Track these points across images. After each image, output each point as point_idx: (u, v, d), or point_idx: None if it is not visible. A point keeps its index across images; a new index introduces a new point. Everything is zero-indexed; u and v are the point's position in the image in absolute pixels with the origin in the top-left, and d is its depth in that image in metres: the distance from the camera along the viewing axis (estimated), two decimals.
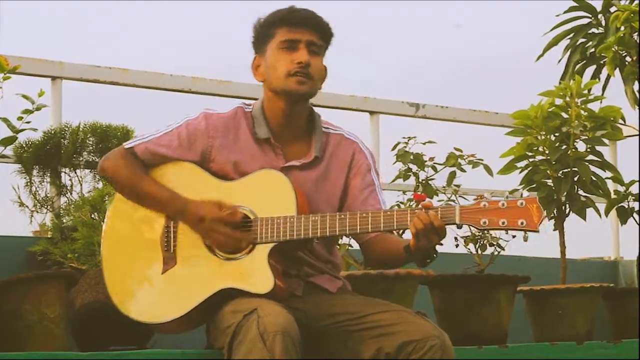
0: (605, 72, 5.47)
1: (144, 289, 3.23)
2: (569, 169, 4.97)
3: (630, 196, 5.33)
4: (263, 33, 3.33)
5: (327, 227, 3.12)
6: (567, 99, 4.97)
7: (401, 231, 4.08)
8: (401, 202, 5.02)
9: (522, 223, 2.96)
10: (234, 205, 3.19)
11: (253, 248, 3.14)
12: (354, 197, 3.34)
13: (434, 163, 5.12)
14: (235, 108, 3.35)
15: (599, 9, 5.61)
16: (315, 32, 3.29)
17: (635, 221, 5.34)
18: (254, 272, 3.12)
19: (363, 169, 3.37)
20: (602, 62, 5.56)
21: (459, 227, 3.10)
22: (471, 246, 4.96)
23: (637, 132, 5.88)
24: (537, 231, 2.96)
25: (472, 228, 4.96)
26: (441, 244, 3.09)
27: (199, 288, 3.15)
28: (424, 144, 5.13)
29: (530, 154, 5.03)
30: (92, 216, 4.33)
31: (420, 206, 3.06)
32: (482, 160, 5.15)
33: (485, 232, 3.06)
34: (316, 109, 3.42)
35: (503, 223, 2.98)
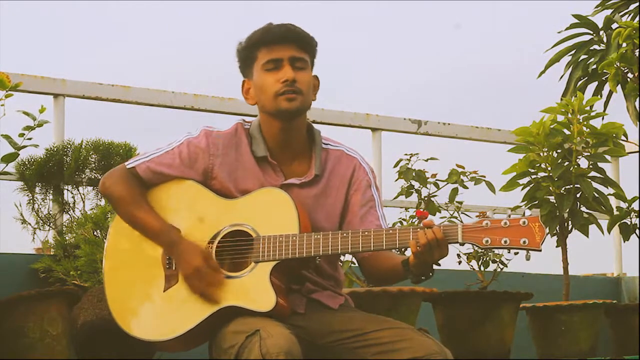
0: (607, 88, 5.48)
1: (145, 307, 3.22)
2: (571, 186, 4.98)
3: (632, 212, 5.33)
4: (246, 57, 3.31)
5: (329, 246, 3.11)
6: (569, 115, 4.98)
7: (403, 249, 4.09)
8: (403, 219, 5.02)
9: (524, 242, 2.96)
10: (237, 223, 3.19)
11: (255, 266, 3.14)
12: (353, 213, 3.33)
13: (437, 180, 5.13)
14: (235, 125, 3.34)
15: (600, 25, 5.63)
16: (295, 46, 3.26)
17: (638, 237, 5.33)
18: (256, 291, 3.11)
19: (363, 184, 3.36)
20: (603, 78, 5.57)
21: (461, 244, 3.10)
22: (474, 263, 4.96)
23: (639, 149, 5.88)
24: (540, 250, 2.97)
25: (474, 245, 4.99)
26: (439, 264, 3.09)
27: (200, 306, 3.15)
28: (426, 160, 5.14)
29: (532, 170, 5.04)
30: (95, 233, 4.33)
31: (421, 224, 3.05)
32: (484, 177, 5.15)
33: (487, 250, 3.04)
34: (319, 126, 3.41)
35: (505, 242, 2.98)
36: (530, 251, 2.98)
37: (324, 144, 3.37)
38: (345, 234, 3.11)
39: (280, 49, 3.25)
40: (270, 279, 3.11)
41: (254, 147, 3.29)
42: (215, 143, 3.28)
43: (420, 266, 3.07)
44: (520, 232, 2.97)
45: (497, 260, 4.88)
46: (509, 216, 3.00)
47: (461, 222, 5.07)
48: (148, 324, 3.21)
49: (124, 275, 3.27)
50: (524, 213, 3.00)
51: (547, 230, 2.99)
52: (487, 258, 4.89)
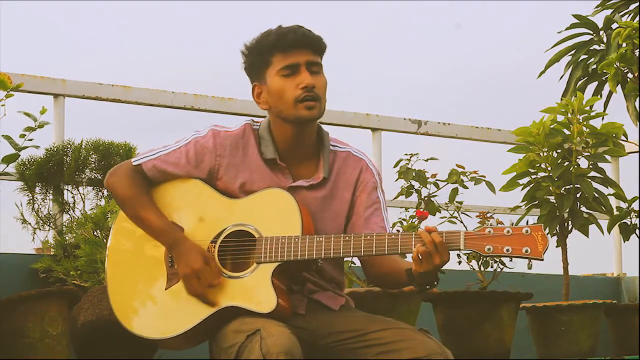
0: (607, 88, 5.48)
1: (147, 305, 3.23)
2: (571, 186, 4.98)
3: (632, 212, 5.33)
4: (257, 61, 3.26)
5: (331, 249, 3.11)
6: (569, 115, 4.98)
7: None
8: (403, 219, 5.01)
9: (526, 251, 2.95)
10: (240, 223, 3.19)
11: (257, 267, 3.14)
12: (358, 214, 3.33)
13: (437, 180, 5.13)
14: (243, 125, 3.32)
15: (600, 25, 5.63)
16: (311, 51, 3.23)
17: (638, 237, 5.33)
18: (257, 291, 3.11)
19: (369, 187, 3.35)
20: (603, 78, 5.57)
21: (462, 251, 3.09)
22: (474, 263, 4.96)
23: (639, 149, 5.88)
24: (542, 259, 2.96)
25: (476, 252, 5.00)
26: (443, 272, 3.08)
27: (201, 305, 3.15)
28: (426, 160, 5.14)
29: (532, 170, 5.04)
30: (95, 233, 4.34)
31: (423, 228, 3.04)
32: (484, 177, 5.15)
33: (489, 257, 3.03)
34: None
35: (507, 250, 2.97)
36: (532, 260, 2.98)
37: (332, 145, 3.36)
38: (347, 238, 3.10)
39: (296, 54, 3.21)
40: (272, 280, 3.11)
41: (262, 149, 3.28)
42: (223, 144, 3.27)
43: (423, 274, 3.06)
44: (523, 241, 2.97)
45: (497, 260, 4.88)
46: (512, 224, 3.00)
47: (462, 222, 5.12)
48: (149, 322, 3.21)
49: (126, 273, 3.28)
50: (527, 222, 2.99)
51: (549, 240, 2.98)
52: (487, 258, 4.88)
